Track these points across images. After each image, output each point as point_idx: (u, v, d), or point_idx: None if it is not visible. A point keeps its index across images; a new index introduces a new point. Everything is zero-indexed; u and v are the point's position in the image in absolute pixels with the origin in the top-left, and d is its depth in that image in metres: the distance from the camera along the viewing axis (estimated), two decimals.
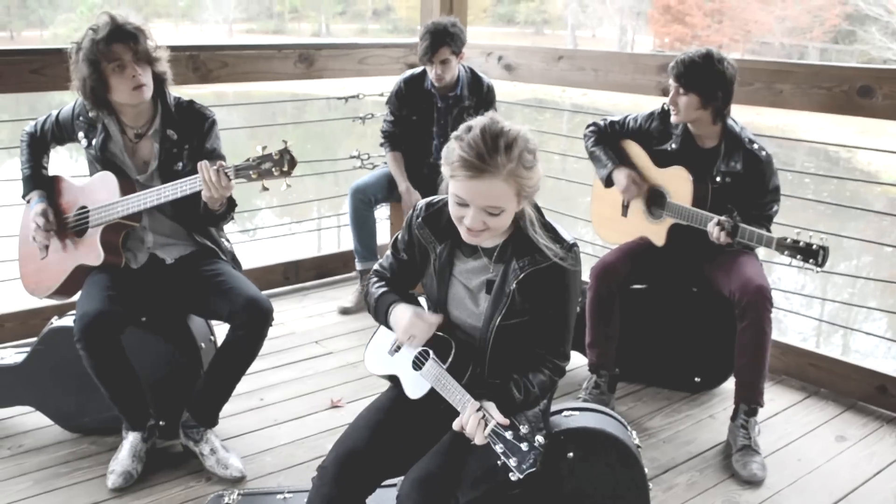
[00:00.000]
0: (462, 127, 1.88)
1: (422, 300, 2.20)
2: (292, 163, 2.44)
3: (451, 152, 1.84)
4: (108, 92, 2.64)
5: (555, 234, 1.98)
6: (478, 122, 1.86)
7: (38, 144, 2.92)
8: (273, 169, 2.44)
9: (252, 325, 2.71)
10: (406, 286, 2.22)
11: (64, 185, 2.91)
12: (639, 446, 2.32)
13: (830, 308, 8.59)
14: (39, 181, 2.91)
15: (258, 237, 7.39)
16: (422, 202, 2.12)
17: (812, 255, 2.74)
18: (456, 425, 1.83)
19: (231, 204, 2.72)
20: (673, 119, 3.08)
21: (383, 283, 2.20)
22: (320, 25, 44.27)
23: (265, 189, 2.47)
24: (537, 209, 2.00)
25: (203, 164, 2.51)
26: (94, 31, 2.61)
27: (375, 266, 2.27)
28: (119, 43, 2.59)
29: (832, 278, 9.09)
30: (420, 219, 2.09)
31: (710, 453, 3.02)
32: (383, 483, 2.06)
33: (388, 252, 2.22)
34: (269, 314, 2.72)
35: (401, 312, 2.08)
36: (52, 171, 2.97)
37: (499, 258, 2.00)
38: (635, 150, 3.32)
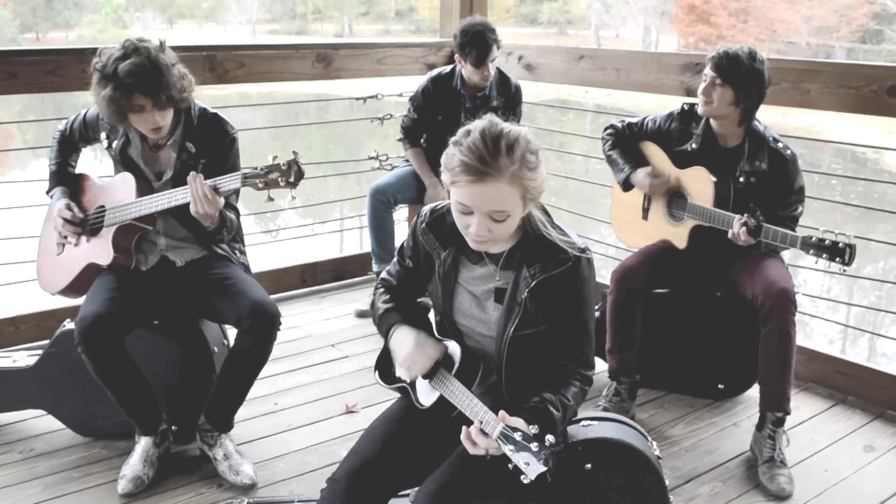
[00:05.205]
0: (460, 131, 1.82)
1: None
2: (299, 174, 2.43)
3: (452, 158, 1.79)
4: (127, 120, 2.61)
5: (566, 237, 1.93)
6: (476, 125, 1.80)
7: (68, 144, 2.91)
8: (280, 179, 2.42)
9: (258, 331, 2.67)
10: (413, 294, 2.18)
11: (87, 184, 2.90)
12: (659, 457, 2.25)
13: (857, 311, 8.46)
14: (64, 178, 2.90)
15: (281, 238, 7.40)
16: (426, 207, 2.07)
17: (839, 253, 2.65)
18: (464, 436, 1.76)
19: (223, 222, 2.68)
20: (701, 110, 3.00)
21: (389, 296, 2.16)
22: (343, 26, 44.45)
23: (270, 199, 2.47)
24: (545, 212, 1.95)
25: (192, 177, 2.50)
26: (115, 78, 2.48)
27: (382, 273, 2.22)
28: (141, 94, 2.51)
29: (859, 281, 8.97)
30: (424, 224, 2.04)
31: (733, 463, 2.94)
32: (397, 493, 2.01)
33: (395, 259, 2.18)
34: (276, 319, 2.68)
35: (402, 339, 2.03)
36: (78, 170, 2.97)
37: (506, 265, 1.94)
38: (654, 152, 3.25)
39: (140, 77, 2.48)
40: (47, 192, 2.92)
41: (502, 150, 1.74)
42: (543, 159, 1.83)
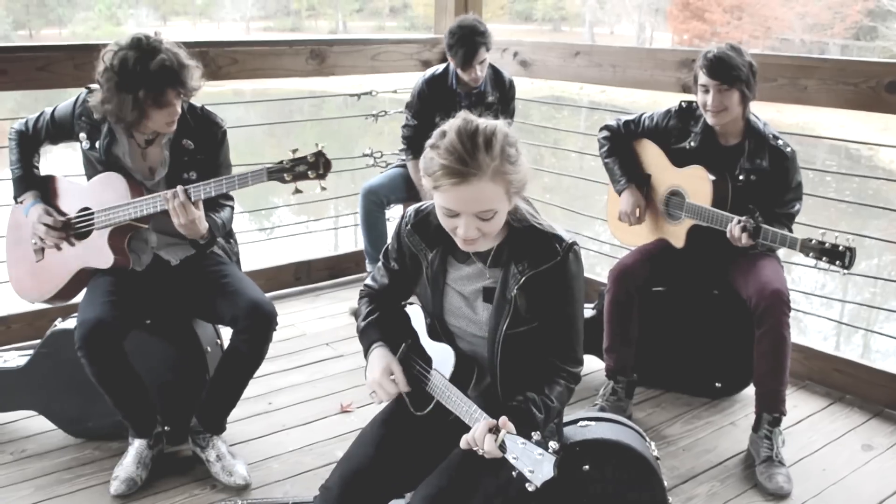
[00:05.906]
0: (436, 133, 1.79)
1: (414, 309, 2.12)
2: (328, 165, 2.48)
3: (431, 162, 1.75)
4: (143, 119, 2.54)
5: (554, 230, 1.90)
6: (451, 124, 1.78)
7: (30, 143, 2.79)
8: (309, 171, 2.46)
9: (255, 331, 2.64)
10: (399, 298, 2.15)
11: (60, 186, 2.80)
12: (657, 458, 2.24)
13: (851, 307, 8.45)
14: (32, 182, 2.79)
15: (275, 236, 7.36)
16: (410, 208, 2.04)
17: (839, 256, 2.62)
18: (464, 444, 1.73)
19: (213, 235, 2.67)
20: (713, 121, 2.94)
21: (372, 307, 2.12)
22: (337, 23, 44.37)
23: (298, 192, 2.48)
24: (529, 203, 1.92)
25: (166, 193, 2.50)
26: (145, 79, 2.43)
27: (367, 280, 2.19)
28: (171, 89, 2.49)
29: (853, 278, 8.94)
30: (409, 226, 2.00)
31: (731, 462, 2.92)
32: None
33: (379, 263, 2.13)
34: (273, 319, 2.65)
35: (375, 362, 2.00)
36: (44, 171, 2.86)
37: (494, 262, 1.91)
38: (652, 150, 3.23)
39: (170, 74, 2.47)
40: (15, 198, 2.81)
41: (480, 146, 1.71)
42: (524, 150, 1.80)
